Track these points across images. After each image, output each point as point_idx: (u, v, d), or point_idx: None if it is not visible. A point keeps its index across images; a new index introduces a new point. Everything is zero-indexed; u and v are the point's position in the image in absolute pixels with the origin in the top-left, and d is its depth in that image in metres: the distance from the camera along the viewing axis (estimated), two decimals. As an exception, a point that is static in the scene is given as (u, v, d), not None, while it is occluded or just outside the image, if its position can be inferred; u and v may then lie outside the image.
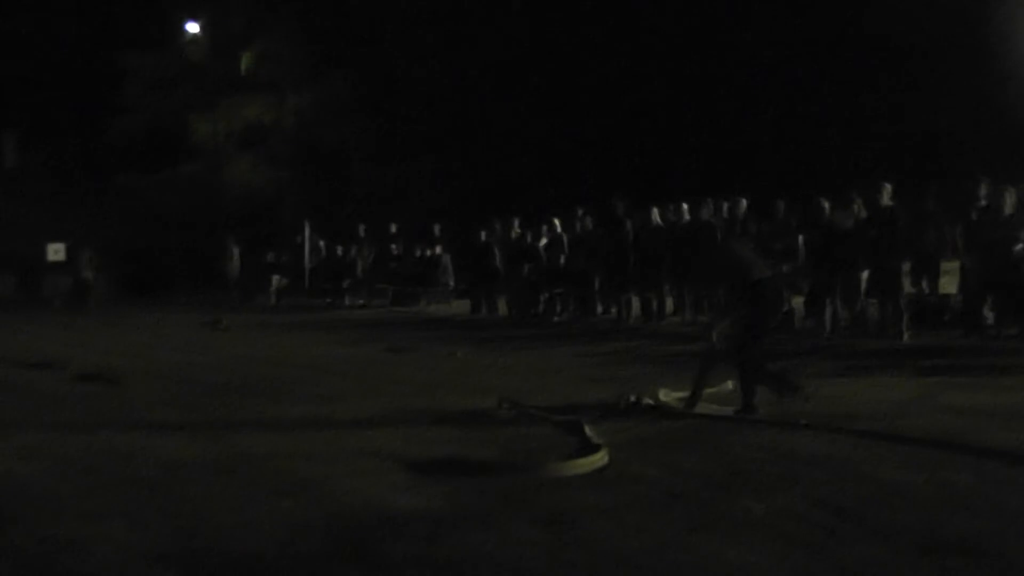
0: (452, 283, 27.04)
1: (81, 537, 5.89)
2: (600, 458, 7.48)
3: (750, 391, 9.43)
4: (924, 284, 16.58)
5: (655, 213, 19.37)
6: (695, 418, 9.30)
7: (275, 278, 30.73)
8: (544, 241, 21.85)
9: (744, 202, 18.32)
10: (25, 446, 8.47)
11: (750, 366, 9.47)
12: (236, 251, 32.01)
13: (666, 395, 10.07)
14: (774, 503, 6.36)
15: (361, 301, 27.66)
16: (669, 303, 19.50)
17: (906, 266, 15.93)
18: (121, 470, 7.60)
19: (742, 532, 5.78)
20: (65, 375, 13.25)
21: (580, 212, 21.52)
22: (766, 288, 9.60)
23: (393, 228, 28.36)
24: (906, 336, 15.13)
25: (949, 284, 16.45)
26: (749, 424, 8.95)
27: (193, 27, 38.75)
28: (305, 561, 5.43)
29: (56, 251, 37.25)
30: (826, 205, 16.47)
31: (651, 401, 9.83)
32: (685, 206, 18.70)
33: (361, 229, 29.12)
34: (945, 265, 16.57)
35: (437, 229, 27.29)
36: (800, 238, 17.16)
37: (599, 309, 20.97)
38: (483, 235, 24.00)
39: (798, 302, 16.90)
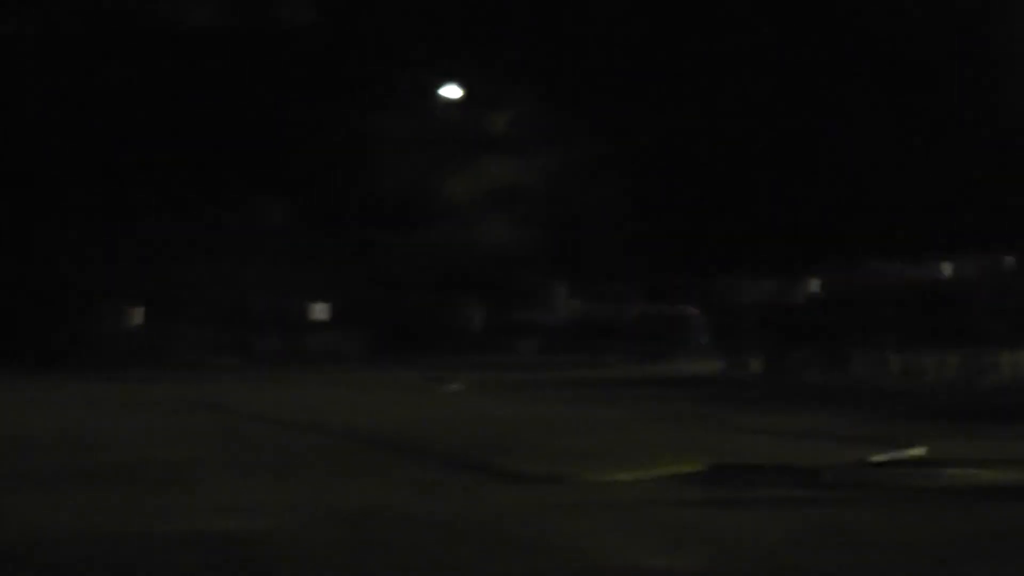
0: (702, 340, 26.86)
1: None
2: None
3: None
4: None
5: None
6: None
7: (526, 337, 31.20)
8: (799, 299, 21.46)
9: (1009, 259, 17.58)
10: (275, 504, 8.54)
11: None
12: (476, 311, 32.71)
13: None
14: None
15: (611, 360, 27.69)
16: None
17: None
18: (363, 528, 7.65)
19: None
20: (312, 434, 13.57)
21: (829, 267, 21.06)
22: None
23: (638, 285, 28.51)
24: None
25: None
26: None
27: (450, 90, 39.77)
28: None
29: (320, 310, 38.61)
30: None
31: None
32: (946, 263, 18.08)
33: (613, 288, 29.34)
34: None
35: (686, 285, 27.29)
36: None
37: (853, 368, 20.37)
38: (734, 292, 23.76)
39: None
